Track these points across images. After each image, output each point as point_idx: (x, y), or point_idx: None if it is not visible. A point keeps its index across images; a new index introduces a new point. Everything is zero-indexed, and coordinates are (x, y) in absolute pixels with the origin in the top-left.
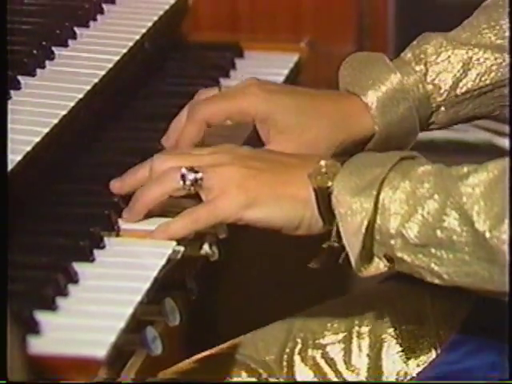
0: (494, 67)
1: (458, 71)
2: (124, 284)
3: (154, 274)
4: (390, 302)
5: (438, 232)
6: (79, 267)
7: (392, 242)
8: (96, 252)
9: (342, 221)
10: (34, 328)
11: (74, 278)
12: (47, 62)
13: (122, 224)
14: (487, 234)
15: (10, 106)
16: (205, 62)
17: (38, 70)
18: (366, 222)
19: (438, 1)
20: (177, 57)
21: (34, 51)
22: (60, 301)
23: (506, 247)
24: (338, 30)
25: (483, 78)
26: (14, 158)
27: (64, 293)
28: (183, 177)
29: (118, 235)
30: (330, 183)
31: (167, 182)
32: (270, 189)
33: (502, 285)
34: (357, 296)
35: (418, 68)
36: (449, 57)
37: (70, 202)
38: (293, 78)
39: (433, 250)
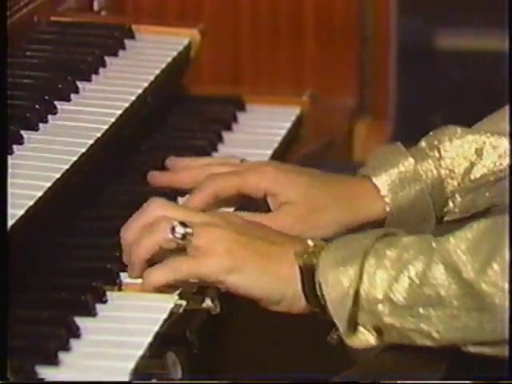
0: (507, 152)
1: (472, 156)
2: (126, 338)
3: (156, 328)
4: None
5: (426, 289)
6: (81, 322)
7: (380, 307)
8: (98, 306)
9: (328, 293)
10: (35, 383)
11: (76, 333)
12: (50, 117)
13: (124, 278)
14: (475, 281)
15: (12, 161)
16: (207, 115)
17: (41, 125)
18: (352, 289)
19: (437, 52)
20: (179, 110)
21: (37, 106)
22: (62, 355)
23: (494, 290)
24: (340, 83)
25: (497, 163)
26: (16, 213)
27: (66, 347)
28: (173, 229)
29: (120, 289)
30: (315, 261)
31: (157, 232)
32: (256, 259)
33: (491, 332)
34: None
35: (431, 153)
36: (462, 143)
37: (72, 257)
38: (295, 131)
39: (421, 310)
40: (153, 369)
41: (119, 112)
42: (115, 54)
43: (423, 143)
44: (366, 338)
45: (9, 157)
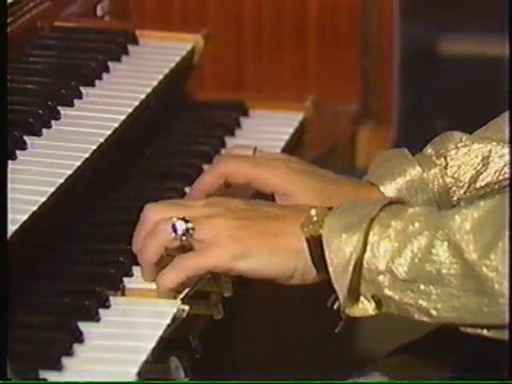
0: None
1: (478, 164)
2: (129, 343)
3: (159, 333)
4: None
5: (427, 266)
6: (84, 327)
7: (380, 279)
8: (101, 311)
9: (331, 258)
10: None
11: (79, 338)
12: (53, 122)
13: (128, 283)
14: (476, 263)
15: (15, 166)
16: (210, 120)
17: (44, 130)
18: (354, 257)
19: (441, 58)
20: (182, 116)
21: (40, 111)
22: (65, 360)
23: (495, 275)
24: (343, 89)
25: (503, 172)
26: (19, 218)
27: (69, 352)
28: (174, 227)
29: (123, 294)
30: (321, 231)
31: (159, 233)
32: (263, 240)
33: (490, 316)
34: (367, 370)
35: (438, 162)
36: (468, 151)
37: (75, 262)
38: (298, 137)
39: (422, 287)
40: (156, 374)
41: (122, 117)
42: (118, 60)
43: (430, 150)
44: (364, 307)
45: (12, 162)
